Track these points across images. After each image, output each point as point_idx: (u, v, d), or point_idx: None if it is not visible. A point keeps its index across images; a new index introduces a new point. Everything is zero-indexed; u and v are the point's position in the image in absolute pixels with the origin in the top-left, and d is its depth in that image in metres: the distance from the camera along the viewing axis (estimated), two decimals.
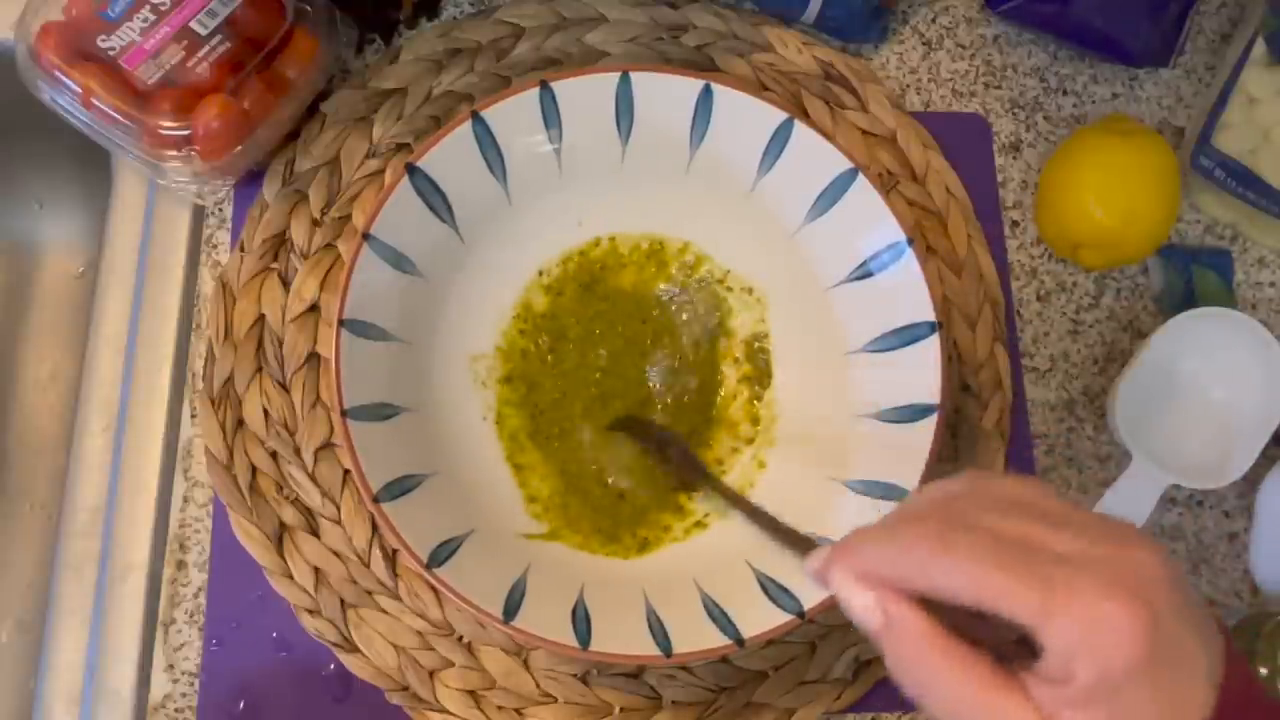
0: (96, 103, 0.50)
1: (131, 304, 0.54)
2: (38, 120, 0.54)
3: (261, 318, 0.54)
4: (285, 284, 0.54)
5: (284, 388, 0.53)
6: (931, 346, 0.49)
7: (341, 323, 0.47)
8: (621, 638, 0.45)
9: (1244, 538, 0.56)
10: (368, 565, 0.51)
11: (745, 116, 0.51)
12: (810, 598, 0.45)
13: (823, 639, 0.52)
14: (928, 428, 0.48)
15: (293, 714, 0.49)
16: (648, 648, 0.45)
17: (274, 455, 0.52)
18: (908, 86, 0.62)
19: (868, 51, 0.62)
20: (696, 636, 0.45)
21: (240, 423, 0.52)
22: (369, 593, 0.51)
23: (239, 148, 0.51)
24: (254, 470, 0.52)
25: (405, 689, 0.50)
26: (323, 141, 0.56)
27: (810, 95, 0.59)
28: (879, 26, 0.61)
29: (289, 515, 0.51)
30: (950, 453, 0.55)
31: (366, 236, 0.48)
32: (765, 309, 0.55)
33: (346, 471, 0.52)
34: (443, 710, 0.49)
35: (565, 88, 0.51)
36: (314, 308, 0.54)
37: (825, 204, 0.51)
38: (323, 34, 0.54)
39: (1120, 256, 0.56)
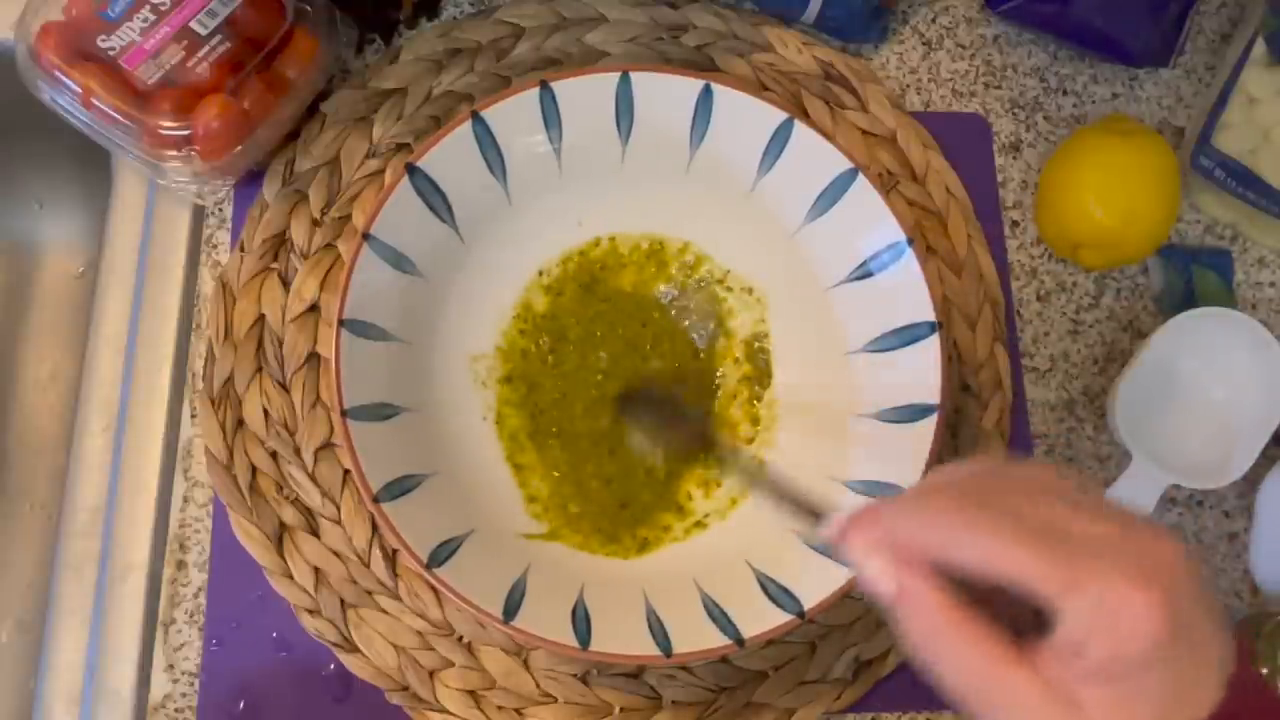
0: (96, 103, 0.50)
1: (131, 304, 0.54)
2: (38, 120, 0.54)
3: (261, 318, 0.54)
4: (285, 284, 0.54)
5: (284, 388, 0.53)
6: (931, 346, 0.49)
7: (341, 323, 0.47)
8: (621, 638, 0.45)
9: (1244, 538, 0.56)
10: (368, 565, 0.51)
11: (745, 116, 0.51)
12: (810, 598, 0.45)
13: (823, 639, 0.52)
14: (928, 428, 0.48)
15: (293, 714, 0.49)
16: (648, 648, 0.45)
17: (274, 455, 0.52)
18: (908, 86, 0.62)
19: (868, 51, 0.62)
20: (696, 636, 0.45)
21: (240, 423, 0.52)
22: (369, 593, 0.51)
23: (239, 148, 0.51)
24: (254, 470, 0.52)
25: (405, 689, 0.50)
26: (323, 141, 0.56)
27: (810, 95, 0.59)
28: (879, 26, 0.61)
29: (289, 515, 0.51)
30: (950, 453, 0.55)
31: (366, 236, 0.48)
32: (765, 309, 0.55)
33: (346, 471, 0.52)
34: (443, 710, 0.49)
35: (565, 88, 0.51)
36: (314, 308, 0.54)
37: (825, 204, 0.51)
38: (323, 34, 0.54)
39: (1120, 256, 0.56)
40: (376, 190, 0.56)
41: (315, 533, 0.51)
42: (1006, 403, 0.56)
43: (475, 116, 0.50)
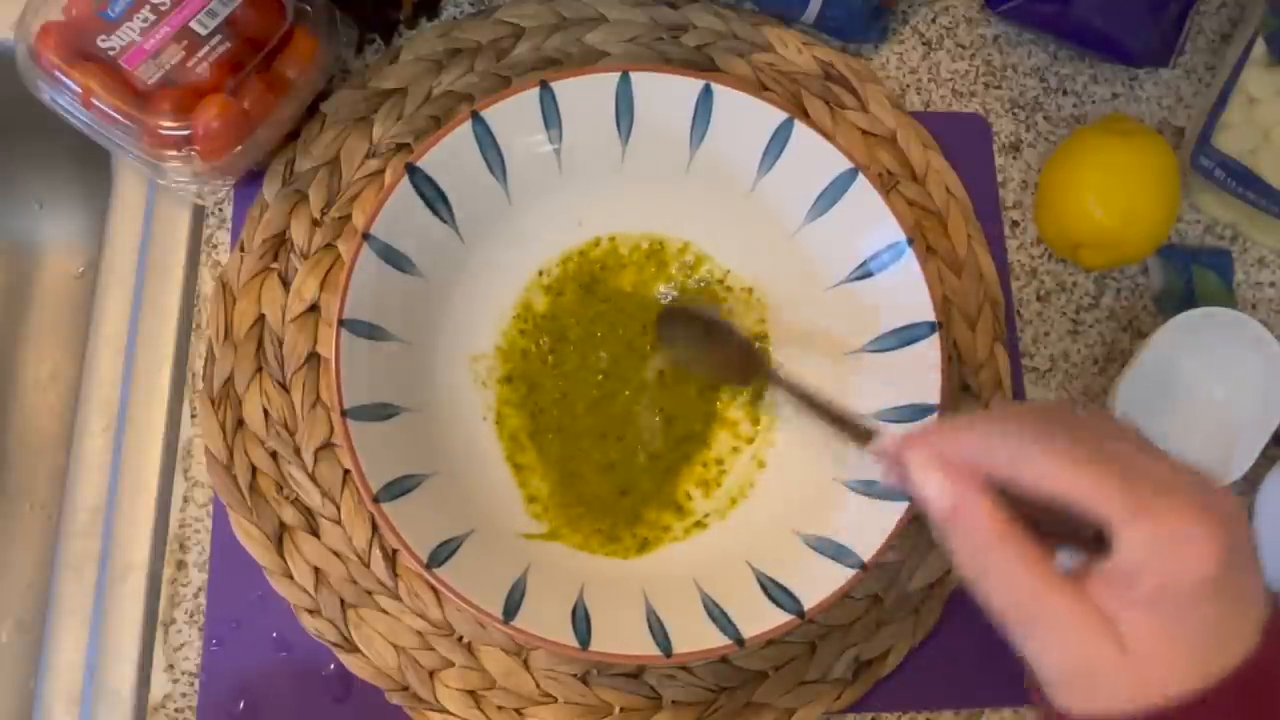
0: (96, 103, 0.50)
1: (131, 304, 0.54)
2: (38, 120, 0.54)
3: (261, 318, 0.54)
4: (285, 284, 0.54)
5: (284, 388, 0.53)
6: (931, 346, 0.49)
7: (341, 323, 0.47)
8: (621, 638, 0.45)
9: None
10: (368, 565, 0.51)
11: (745, 116, 0.51)
12: (810, 598, 0.45)
13: (823, 639, 0.52)
14: None
15: (293, 714, 0.49)
16: (648, 648, 0.45)
17: (274, 455, 0.52)
18: (908, 86, 0.62)
19: (868, 51, 0.62)
20: (696, 636, 0.45)
21: (240, 423, 0.52)
22: (369, 593, 0.51)
23: (239, 148, 0.51)
24: (254, 470, 0.52)
25: (405, 689, 0.50)
26: (323, 141, 0.56)
27: (810, 95, 0.59)
28: (879, 26, 0.61)
29: (289, 515, 0.51)
30: None
31: (366, 236, 0.48)
32: (765, 309, 0.55)
33: (346, 471, 0.52)
34: (443, 710, 0.50)
35: (565, 88, 0.51)
36: (314, 308, 0.54)
37: (825, 204, 0.51)
38: (323, 34, 0.54)
39: (1120, 256, 0.56)
40: (376, 190, 0.56)
41: (315, 533, 0.51)
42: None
43: (475, 116, 0.50)
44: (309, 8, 0.54)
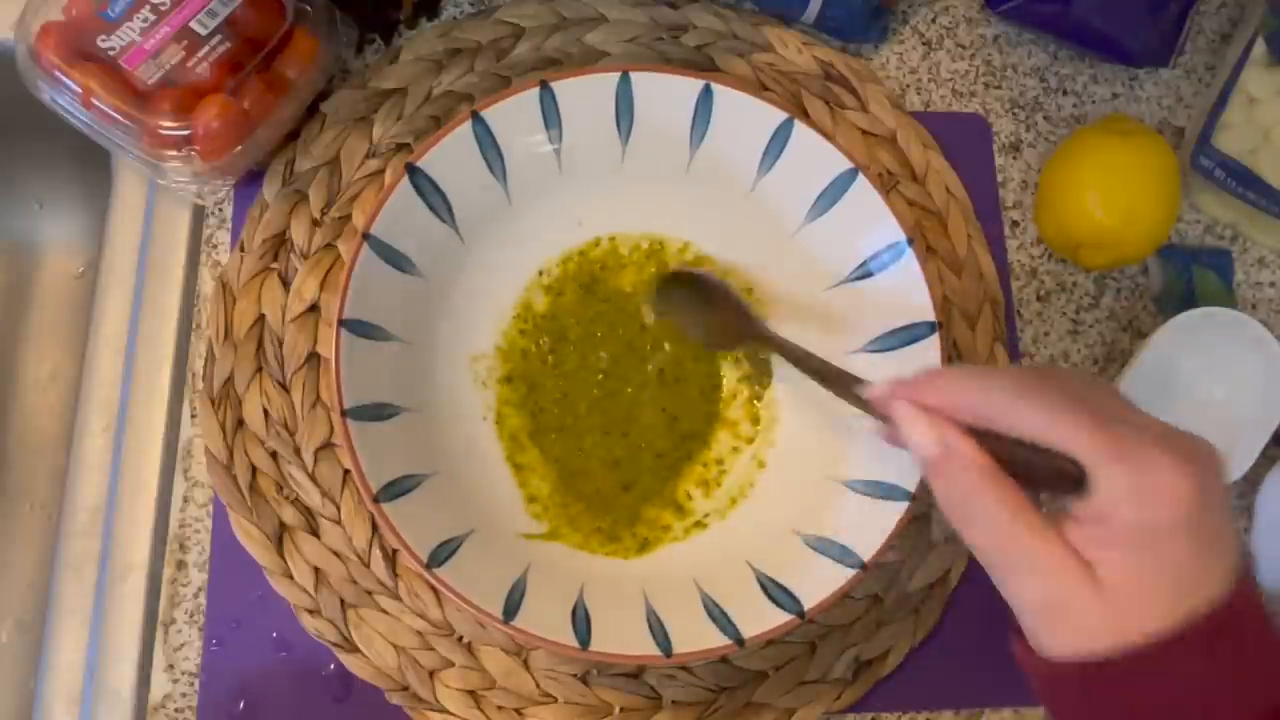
0: (96, 103, 0.50)
1: (131, 304, 0.54)
2: (38, 120, 0.54)
3: (261, 318, 0.54)
4: (285, 284, 0.54)
5: (284, 388, 0.53)
6: (931, 346, 0.49)
7: (341, 323, 0.47)
8: (621, 638, 0.45)
9: (1244, 538, 0.56)
10: (368, 565, 0.51)
11: (745, 116, 0.51)
12: (810, 598, 0.45)
13: (823, 639, 0.52)
14: None
15: (293, 714, 0.49)
16: (648, 648, 0.45)
17: (274, 455, 0.52)
18: (908, 86, 0.62)
19: (868, 51, 0.62)
20: (696, 636, 0.45)
21: (240, 423, 0.52)
22: (369, 593, 0.51)
23: (239, 148, 0.51)
24: (254, 470, 0.52)
25: (405, 689, 0.50)
26: (323, 141, 0.56)
27: (810, 95, 0.59)
28: (879, 26, 0.61)
29: (289, 515, 0.51)
30: None
31: (366, 236, 0.48)
32: (765, 309, 0.55)
33: (346, 471, 0.52)
34: (443, 710, 0.50)
35: (565, 88, 0.51)
36: (314, 308, 0.54)
37: (825, 204, 0.51)
38: (323, 34, 0.54)
39: (1120, 256, 0.56)
40: (376, 190, 0.56)
41: (315, 533, 0.51)
42: None
43: (475, 116, 0.50)
44: (309, 8, 0.54)
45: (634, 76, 0.51)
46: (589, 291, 0.55)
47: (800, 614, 0.45)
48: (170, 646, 0.50)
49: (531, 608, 0.45)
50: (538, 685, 0.50)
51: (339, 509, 0.51)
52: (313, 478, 0.52)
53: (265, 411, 0.53)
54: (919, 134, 0.60)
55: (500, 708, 0.50)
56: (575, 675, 0.50)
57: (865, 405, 0.40)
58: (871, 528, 0.46)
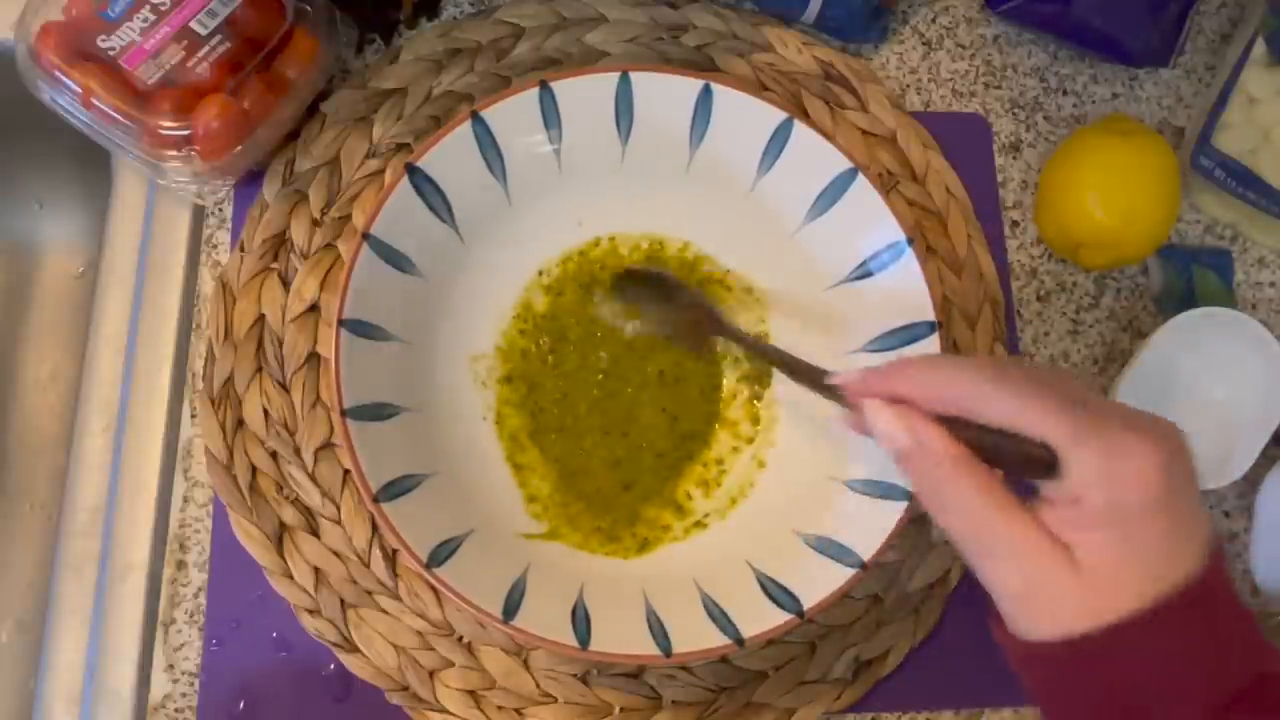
0: (96, 103, 0.50)
1: (131, 304, 0.54)
2: (38, 120, 0.54)
3: (261, 318, 0.54)
4: (285, 284, 0.54)
5: (284, 388, 0.53)
6: (931, 346, 0.49)
7: (341, 323, 0.47)
8: (621, 637, 0.45)
9: (1244, 538, 0.56)
10: (368, 565, 0.51)
11: (745, 116, 0.51)
12: (810, 598, 0.45)
13: (823, 639, 0.52)
14: None
15: (293, 714, 0.49)
16: (647, 647, 0.45)
17: (274, 455, 0.52)
18: (908, 86, 0.62)
19: (868, 51, 0.62)
20: (696, 636, 0.45)
21: (240, 423, 0.52)
22: (369, 593, 0.51)
23: (239, 148, 0.51)
24: (254, 470, 0.52)
25: (405, 689, 0.50)
26: (323, 141, 0.56)
27: (810, 95, 0.59)
28: (879, 26, 0.61)
29: (289, 515, 0.51)
30: None
31: (366, 236, 0.48)
32: (765, 309, 0.55)
33: (346, 471, 0.52)
34: (443, 710, 0.50)
35: (565, 88, 0.51)
36: (314, 308, 0.54)
37: (825, 204, 0.51)
38: (323, 34, 0.54)
39: (1120, 256, 0.56)
40: (376, 190, 0.56)
41: (315, 533, 0.51)
42: None
43: (475, 116, 0.50)
44: (309, 8, 0.54)
45: (634, 76, 0.51)
46: (589, 291, 0.55)
47: (800, 614, 0.45)
48: (170, 646, 0.50)
49: (531, 607, 0.45)
50: (538, 685, 0.50)
51: (339, 509, 0.51)
52: (313, 478, 0.52)
53: (265, 411, 0.53)
54: (919, 134, 0.60)
55: (500, 708, 0.50)
56: (575, 675, 0.50)
57: (835, 396, 0.40)
58: (871, 527, 0.46)
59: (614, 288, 0.54)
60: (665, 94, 0.51)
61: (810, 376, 0.43)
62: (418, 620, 0.50)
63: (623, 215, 0.55)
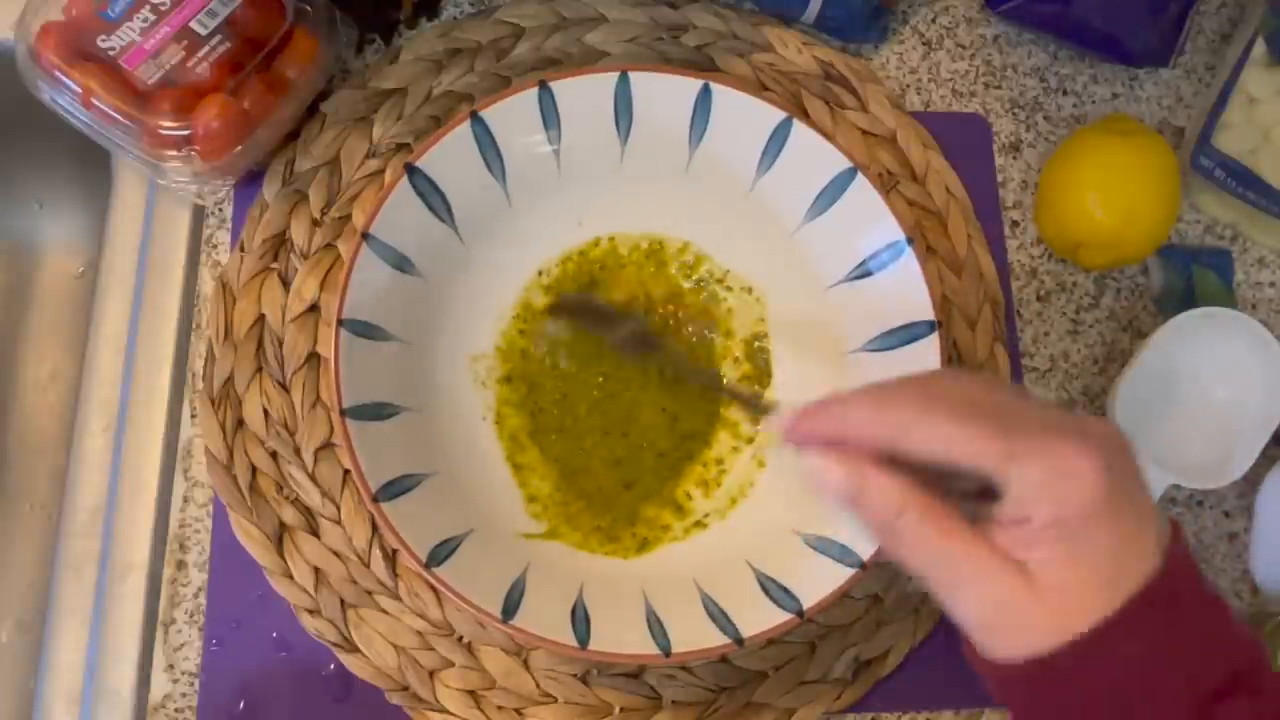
0: (96, 103, 0.50)
1: (131, 304, 0.54)
2: (38, 120, 0.54)
3: (261, 318, 0.54)
4: (285, 284, 0.54)
5: (284, 388, 0.53)
6: (931, 346, 0.49)
7: (341, 323, 0.47)
8: (621, 637, 0.45)
9: (1244, 538, 0.56)
10: (368, 565, 0.51)
11: (744, 116, 0.51)
12: (810, 597, 0.45)
13: (823, 639, 0.52)
14: None
15: (293, 714, 0.49)
16: (647, 647, 0.45)
17: (274, 455, 0.52)
18: (908, 86, 0.62)
19: (868, 51, 0.62)
20: (696, 636, 0.45)
21: (240, 423, 0.52)
22: (369, 593, 0.51)
23: (239, 148, 0.51)
24: (254, 470, 0.52)
25: (405, 689, 0.50)
26: (323, 141, 0.56)
27: (810, 95, 0.59)
28: (879, 26, 0.61)
29: (289, 515, 0.51)
30: None
31: (366, 236, 0.48)
32: (765, 308, 0.55)
33: (346, 471, 0.52)
34: (443, 710, 0.50)
35: (564, 88, 0.51)
36: (314, 308, 0.54)
37: (825, 203, 0.51)
38: (323, 34, 0.54)
39: (1120, 256, 0.56)
40: (376, 190, 0.56)
41: (315, 533, 0.51)
42: None
43: (475, 116, 0.50)
44: (309, 8, 0.54)
45: (633, 76, 0.51)
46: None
47: (800, 613, 0.45)
48: (170, 646, 0.50)
49: (531, 607, 0.45)
50: (538, 685, 0.50)
51: (339, 509, 0.51)
52: (313, 478, 0.52)
53: (265, 411, 0.53)
54: (919, 134, 0.60)
55: (500, 708, 0.50)
56: (575, 675, 0.50)
57: (770, 430, 0.40)
58: None
59: (552, 318, 0.54)
60: (665, 94, 0.51)
61: (754, 408, 0.43)
62: (418, 620, 0.50)
63: (622, 215, 0.55)
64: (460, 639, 0.51)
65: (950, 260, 0.58)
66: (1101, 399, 0.57)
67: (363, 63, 0.59)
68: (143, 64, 0.51)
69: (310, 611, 0.50)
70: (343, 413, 0.46)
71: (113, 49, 0.51)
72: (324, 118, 0.57)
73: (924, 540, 0.33)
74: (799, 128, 0.51)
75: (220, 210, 0.56)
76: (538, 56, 0.59)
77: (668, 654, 0.44)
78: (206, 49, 0.51)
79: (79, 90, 0.50)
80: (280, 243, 0.55)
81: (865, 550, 0.46)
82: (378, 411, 0.48)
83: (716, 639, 0.45)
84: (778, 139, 0.51)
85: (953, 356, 0.56)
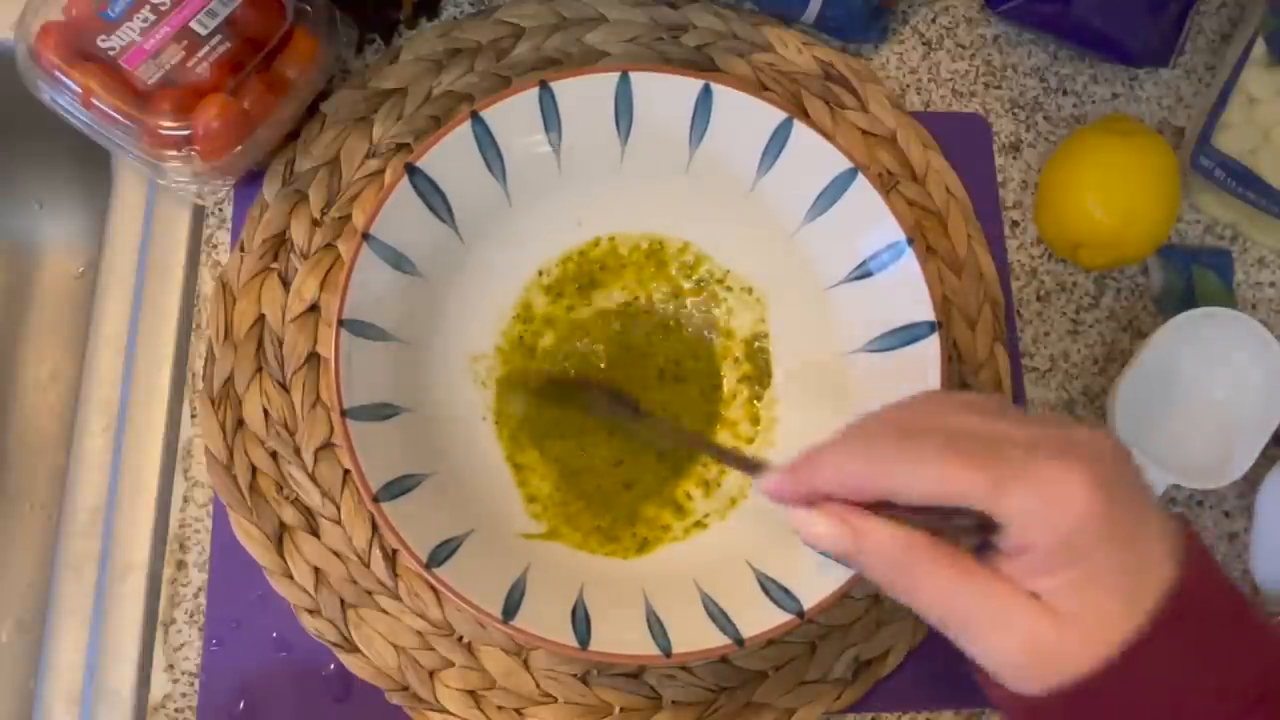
0: (96, 103, 0.50)
1: (131, 304, 0.54)
2: (38, 120, 0.54)
3: (261, 318, 0.54)
4: (285, 284, 0.54)
5: (284, 388, 0.53)
6: (931, 346, 0.49)
7: (341, 323, 0.47)
8: (621, 637, 0.45)
9: (1244, 538, 0.56)
10: (368, 565, 0.51)
11: (744, 116, 0.51)
12: (810, 598, 0.45)
13: (823, 639, 0.52)
14: None
15: (293, 714, 0.49)
16: (647, 647, 0.45)
17: (274, 455, 0.52)
18: (908, 86, 0.62)
19: (868, 51, 0.62)
20: (696, 636, 0.45)
21: (240, 423, 0.52)
22: (369, 593, 0.51)
23: (239, 148, 0.51)
24: (254, 470, 0.52)
25: (405, 689, 0.50)
26: (323, 141, 0.56)
27: (810, 95, 0.59)
28: (879, 26, 0.61)
29: (289, 515, 0.51)
30: None
31: (366, 236, 0.48)
32: (765, 309, 0.55)
33: (346, 471, 0.52)
34: (443, 710, 0.50)
35: (565, 88, 0.51)
36: (314, 308, 0.54)
37: (825, 204, 0.51)
38: (323, 34, 0.54)
39: (1120, 256, 0.56)
40: (376, 190, 0.56)
41: (315, 533, 0.51)
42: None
43: (475, 116, 0.50)
44: (309, 8, 0.54)
45: (633, 76, 0.51)
46: (585, 294, 0.55)
47: (800, 614, 0.45)
48: (170, 646, 0.50)
49: (531, 607, 0.45)
50: (538, 685, 0.50)
51: (339, 509, 0.51)
52: (313, 478, 0.52)
53: (265, 411, 0.53)
54: (919, 134, 0.60)
55: (500, 708, 0.50)
56: (575, 675, 0.50)
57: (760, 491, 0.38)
58: None
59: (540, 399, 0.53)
60: (665, 94, 0.51)
61: (745, 467, 0.42)
62: (418, 620, 0.50)
63: (622, 215, 0.55)
64: (460, 639, 0.51)
65: (950, 260, 0.58)
66: (1101, 399, 0.57)
67: (363, 63, 0.59)
68: (143, 64, 0.51)
69: (310, 611, 0.50)
70: (343, 413, 0.46)
71: (113, 49, 0.51)
72: (324, 118, 0.57)
73: (936, 584, 0.32)
74: (799, 128, 0.51)
75: (220, 210, 0.56)
76: (538, 56, 0.59)
77: (668, 654, 0.44)
78: (206, 49, 0.51)
79: (79, 90, 0.50)
80: (280, 243, 0.55)
81: None
82: (378, 412, 0.48)
83: (717, 639, 0.45)
84: (778, 139, 0.51)
85: (953, 357, 0.56)
